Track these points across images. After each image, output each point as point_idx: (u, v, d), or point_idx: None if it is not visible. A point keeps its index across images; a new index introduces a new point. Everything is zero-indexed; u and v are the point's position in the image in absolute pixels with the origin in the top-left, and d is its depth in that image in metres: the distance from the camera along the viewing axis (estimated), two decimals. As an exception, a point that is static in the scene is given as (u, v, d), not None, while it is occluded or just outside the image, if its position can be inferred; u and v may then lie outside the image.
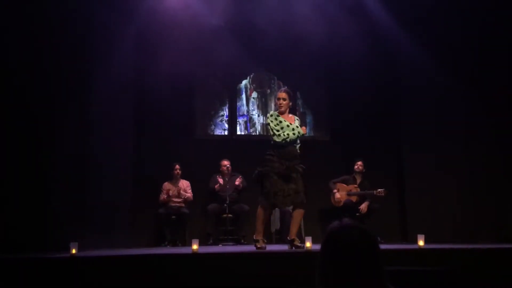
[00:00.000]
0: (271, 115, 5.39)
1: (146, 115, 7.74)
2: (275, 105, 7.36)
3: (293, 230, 5.31)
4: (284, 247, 5.43)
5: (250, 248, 5.90)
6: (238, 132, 8.38)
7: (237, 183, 7.32)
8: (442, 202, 7.11)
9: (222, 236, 7.27)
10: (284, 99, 5.38)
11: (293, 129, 5.27)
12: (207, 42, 7.82)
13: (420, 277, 2.87)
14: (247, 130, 8.44)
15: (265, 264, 4.25)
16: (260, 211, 5.27)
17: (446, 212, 7.07)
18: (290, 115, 5.47)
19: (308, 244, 4.93)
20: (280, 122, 5.28)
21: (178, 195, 7.38)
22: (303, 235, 7.24)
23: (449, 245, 5.26)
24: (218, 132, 8.37)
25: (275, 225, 7.51)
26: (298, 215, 5.33)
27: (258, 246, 5.18)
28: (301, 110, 8.48)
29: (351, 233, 1.47)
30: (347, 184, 7.43)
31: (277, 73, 8.49)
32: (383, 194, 7.08)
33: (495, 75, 7.14)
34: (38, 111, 5.75)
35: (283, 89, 5.70)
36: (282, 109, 5.37)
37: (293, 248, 5.15)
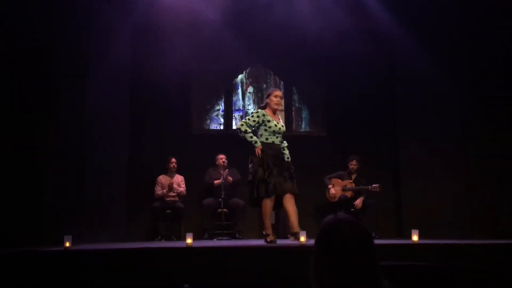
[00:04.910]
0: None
1: (142, 109, 7.73)
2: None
3: (295, 221, 5.19)
4: (280, 242, 5.40)
5: (245, 242, 5.90)
6: (234, 127, 8.35)
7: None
8: (438, 198, 7.12)
9: (217, 231, 7.27)
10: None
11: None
12: (204, 37, 7.80)
13: (414, 272, 2.87)
14: (243, 125, 8.41)
15: (260, 259, 4.24)
16: (264, 204, 5.17)
17: (441, 207, 7.08)
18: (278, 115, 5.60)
19: (302, 238, 4.91)
20: (266, 121, 5.41)
21: (172, 189, 7.35)
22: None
23: (444, 241, 5.26)
24: (213, 126, 8.36)
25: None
26: (290, 205, 5.20)
27: (268, 240, 5.11)
28: (297, 105, 8.46)
29: (346, 227, 1.46)
30: (342, 180, 7.42)
31: (273, 68, 8.48)
32: (378, 190, 7.07)
33: (492, 70, 7.13)
34: (34, 104, 5.71)
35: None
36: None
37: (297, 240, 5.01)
